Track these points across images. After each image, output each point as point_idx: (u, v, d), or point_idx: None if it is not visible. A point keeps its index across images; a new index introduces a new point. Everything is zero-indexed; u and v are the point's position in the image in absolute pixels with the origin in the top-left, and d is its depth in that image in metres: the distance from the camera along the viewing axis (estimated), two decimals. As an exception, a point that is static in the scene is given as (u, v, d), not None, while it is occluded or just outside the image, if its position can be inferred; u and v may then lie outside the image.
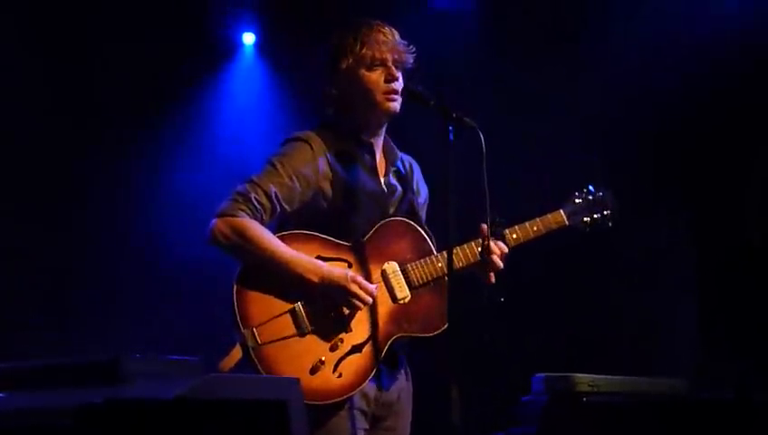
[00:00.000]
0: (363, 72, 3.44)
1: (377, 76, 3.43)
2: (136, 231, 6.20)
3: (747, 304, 5.17)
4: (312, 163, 3.41)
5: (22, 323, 5.50)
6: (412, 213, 3.57)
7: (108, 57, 6.16)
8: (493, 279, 3.54)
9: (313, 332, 3.35)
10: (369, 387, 3.39)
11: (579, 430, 3.81)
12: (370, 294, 3.36)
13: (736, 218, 5.45)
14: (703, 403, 3.59)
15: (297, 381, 2.75)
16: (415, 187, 3.68)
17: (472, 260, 3.48)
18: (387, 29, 3.49)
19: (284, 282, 3.33)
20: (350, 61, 3.44)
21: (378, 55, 3.43)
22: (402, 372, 3.53)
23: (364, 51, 3.42)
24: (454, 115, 3.25)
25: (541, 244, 3.72)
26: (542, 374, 4.28)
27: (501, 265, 3.51)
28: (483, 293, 3.58)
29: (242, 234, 3.32)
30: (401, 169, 3.64)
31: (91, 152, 6.07)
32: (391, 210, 3.54)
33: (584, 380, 4.16)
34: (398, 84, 3.46)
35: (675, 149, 5.64)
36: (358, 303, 3.33)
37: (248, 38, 6.78)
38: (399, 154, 3.64)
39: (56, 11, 6.01)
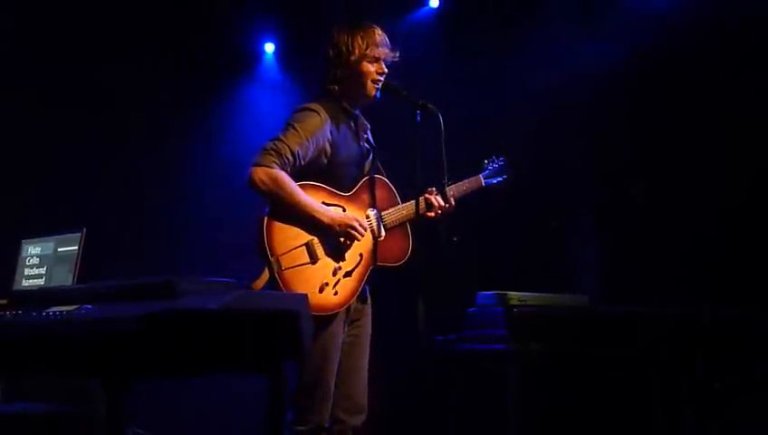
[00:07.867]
0: (365, 64, 3.71)
1: (373, 68, 3.73)
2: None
3: (630, 243, 5.27)
4: (321, 128, 3.64)
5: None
6: (379, 170, 3.84)
7: (133, 66, 5.57)
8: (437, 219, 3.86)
9: (321, 261, 3.55)
10: (352, 302, 3.72)
11: (512, 332, 3.96)
12: (365, 229, 3.64)
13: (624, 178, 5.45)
14: (598, 313, 3.75)
15: (305, 296, 2.84)
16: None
17: (413, 217, 3.70)
18: (382, 32, 3.78)
19: (302, 221, 3.55)
20: (357, 55, 3.70)
21: (377, 55, 3.73)
22: (368, 288, 3.83)
23: (368, 50, 3.70)
24: (420, 103, 3.59)
25: (481, 196, 4.06)
26: (484, 292, 4.38)
27: (438, 214, 3.79)
28: (441, 234, 3.83)
29: (276, 182, 3.48)
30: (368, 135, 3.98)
31: (112, 163, 5.48)
32: (367, 168, 3.80)
33: (515, 296, 4.28)
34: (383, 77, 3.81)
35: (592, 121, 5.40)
36: (357, 235, 3.60)
37: (269, 47, 6.40)
38: (366, 124, 3.93)
39: (78, 19, 5.33)
